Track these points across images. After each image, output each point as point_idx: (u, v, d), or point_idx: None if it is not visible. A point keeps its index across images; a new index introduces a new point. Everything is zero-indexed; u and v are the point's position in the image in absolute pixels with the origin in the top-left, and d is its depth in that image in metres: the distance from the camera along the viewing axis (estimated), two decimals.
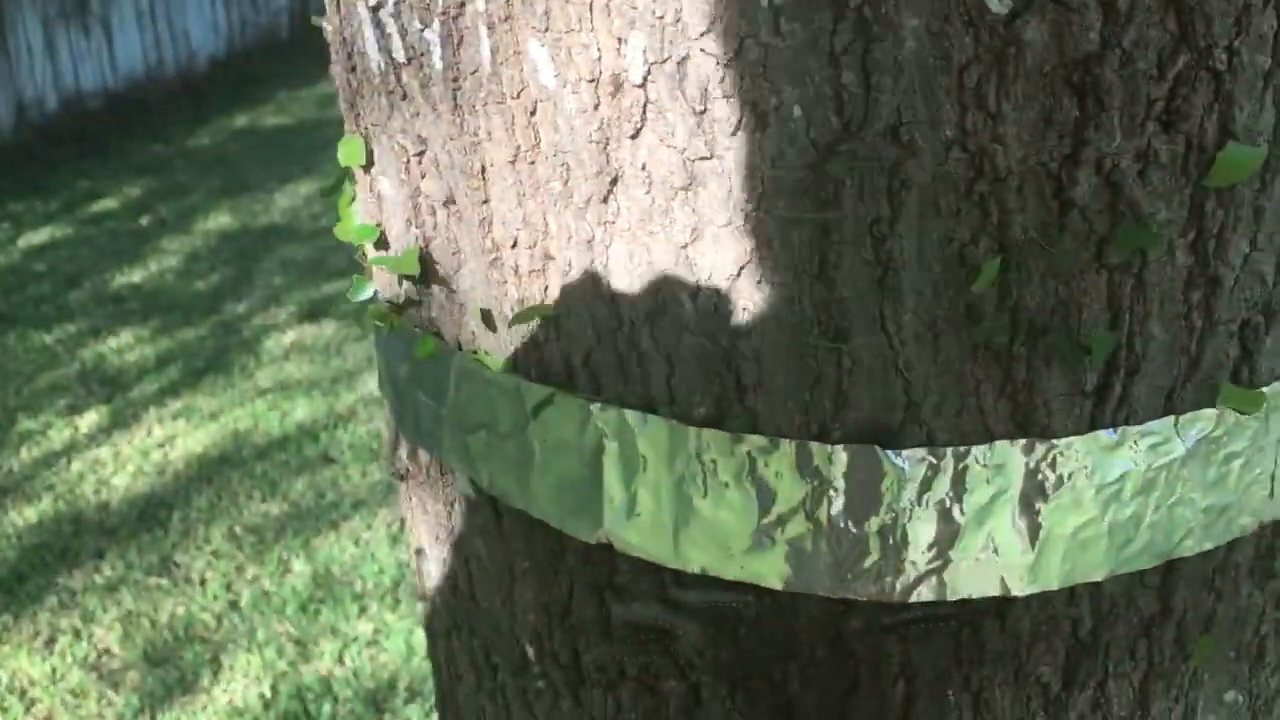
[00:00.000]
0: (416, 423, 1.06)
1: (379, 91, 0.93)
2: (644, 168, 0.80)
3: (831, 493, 0.85)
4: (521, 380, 0.93)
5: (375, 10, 0.89)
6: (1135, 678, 0.94)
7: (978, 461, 0.83)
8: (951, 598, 0.87)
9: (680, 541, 0.91)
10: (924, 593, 0.87)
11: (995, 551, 0.85)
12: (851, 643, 0.91)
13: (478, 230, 0.91)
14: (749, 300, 0.81)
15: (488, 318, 0.95)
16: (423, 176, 0.93)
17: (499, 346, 0.95)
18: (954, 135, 0.74)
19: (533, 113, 0.83)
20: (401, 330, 1.05)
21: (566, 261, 0.87)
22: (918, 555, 0.86)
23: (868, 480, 0.84)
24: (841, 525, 0.86)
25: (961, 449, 0.83)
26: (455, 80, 0.86)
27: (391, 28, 0.88)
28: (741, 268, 0.80)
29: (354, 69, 0.96)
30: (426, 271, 0.97)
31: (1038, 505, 0.84)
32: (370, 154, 0.99)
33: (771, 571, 0.89)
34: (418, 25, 0.86)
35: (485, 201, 0.89)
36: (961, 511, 0.84)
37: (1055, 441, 0.83)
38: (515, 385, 0.94)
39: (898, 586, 0.87)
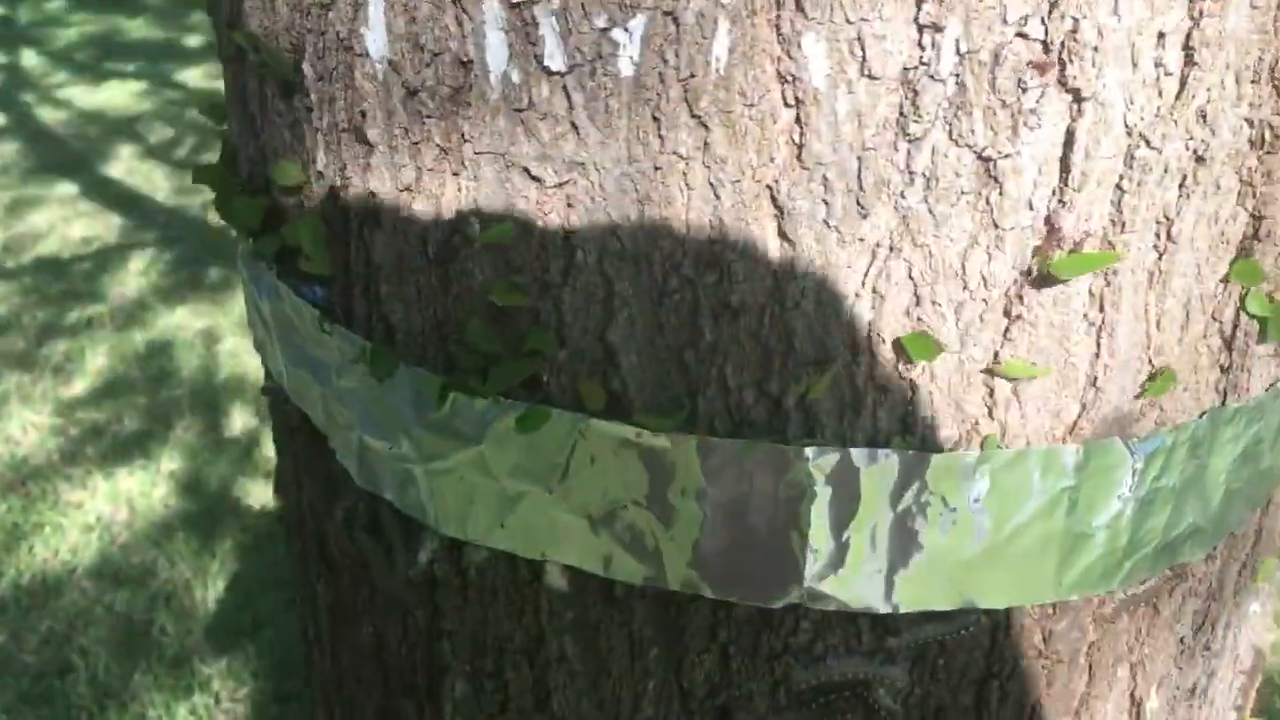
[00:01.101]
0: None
1: (491, 112, 0.73)
2: (925, 172, 0.70)
3: (1071, 492, 0.81)
4: (701, 437, 0.79)
5: (519, 8, 0.69)
6: (1213, 602, 0.99)
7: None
8: (1153, 579, 0.87)
9: (896, 583, 0.82)
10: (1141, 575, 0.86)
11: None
12: (1057, 643, 0.88)
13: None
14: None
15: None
16: (569, 207, 0.74)
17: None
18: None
19: (791, 118, 0.69)
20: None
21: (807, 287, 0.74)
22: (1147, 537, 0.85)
23: (1103, 477, 0.81)
24: (1082, 526, 0.82)
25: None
26: (653, 87, 0.69)
27: (549, 29, 0.69)
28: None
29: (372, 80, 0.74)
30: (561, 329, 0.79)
31: None
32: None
33: (1000, 589, 0.83)
34: (602, 23, 0.68)
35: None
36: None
37: None
38: (693, 444, 0.79)
39: (1123, 577, 0.85)
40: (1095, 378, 0.78)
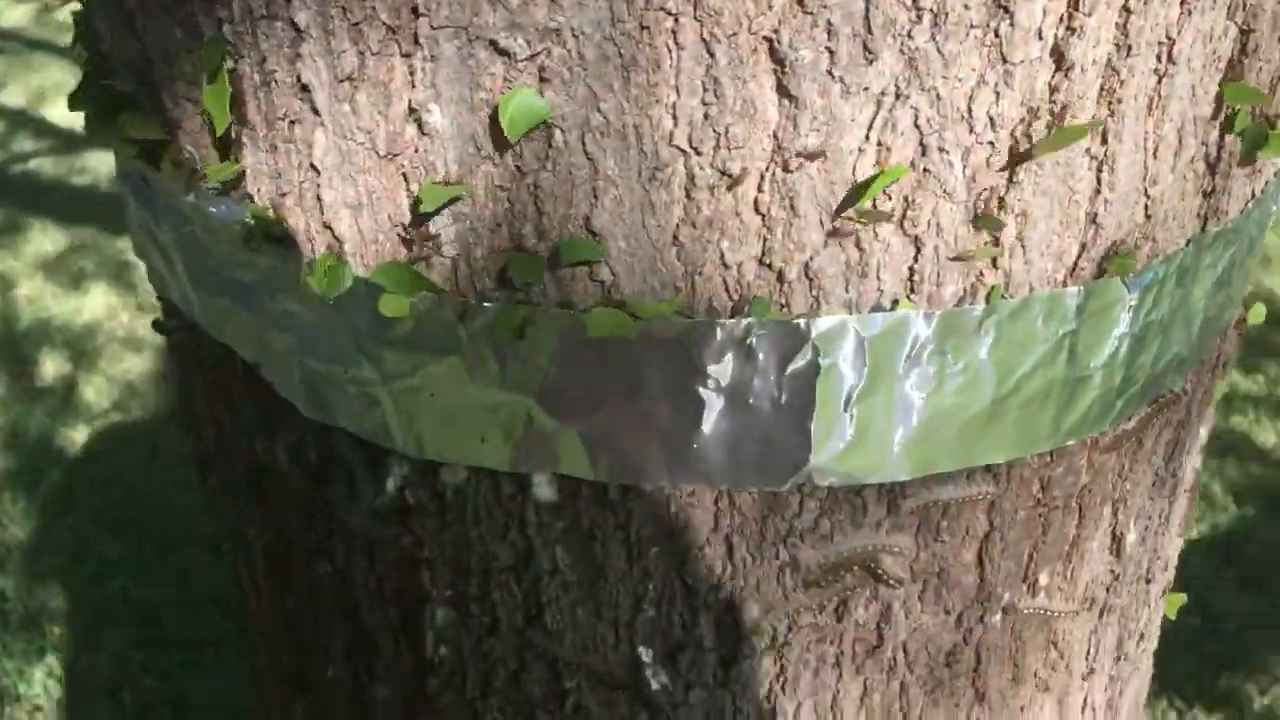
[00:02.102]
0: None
1: None
2: (934, 7, 0.65)
3: (1072, 337, 0.79)
4: (701, 319, 0.73)
5: None
6: (1182, 430, 1.00)
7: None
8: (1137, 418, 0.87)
9: (905, 449, 0.79)
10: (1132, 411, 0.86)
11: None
12: (1054, 489, 0.87)
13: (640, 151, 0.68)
14: None
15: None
16: (543, 82, 0.67)
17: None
18: None
19: None
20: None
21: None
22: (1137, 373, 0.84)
23: (1102, 317, 0.79)
24: (1081, 370, 0.81)
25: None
26: None
27: None
28: None
29: None
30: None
31: None
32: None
33: (1003, 444, 0.81)
34: None
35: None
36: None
37: None
38: (695, 325, 0.74)
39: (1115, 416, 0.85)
40: (1095, 214, 0.76)
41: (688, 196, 0.70)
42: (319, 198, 0.75)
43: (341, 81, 0.70)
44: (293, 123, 0.74)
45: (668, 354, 0.74)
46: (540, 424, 0.78)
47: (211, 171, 0.79)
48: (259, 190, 0.78)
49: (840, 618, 0.86)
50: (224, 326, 0.89)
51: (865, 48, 0.65)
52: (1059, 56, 0.68)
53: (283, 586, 1.01)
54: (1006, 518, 0.86)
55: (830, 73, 0.66)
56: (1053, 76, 0.69)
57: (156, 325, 1.03)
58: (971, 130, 0.69)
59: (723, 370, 0.74)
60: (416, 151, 0.71)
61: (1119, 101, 0.71)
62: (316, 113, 0.72)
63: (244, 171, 0.78)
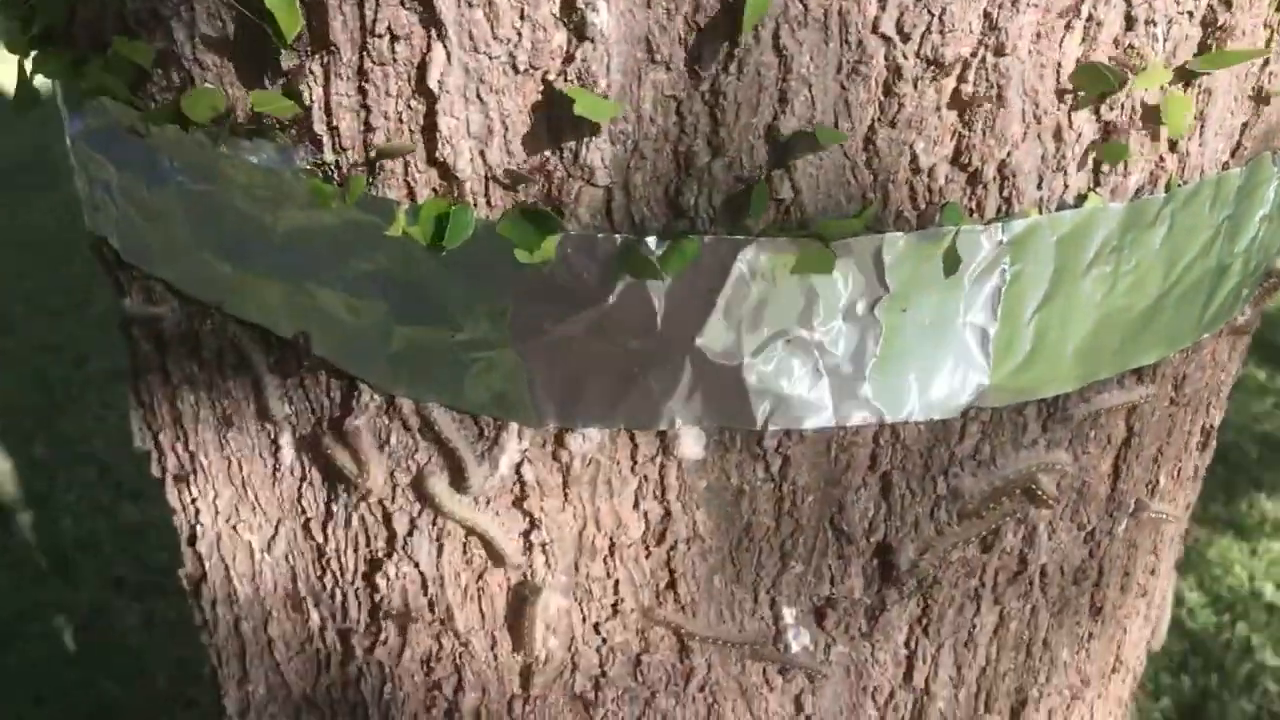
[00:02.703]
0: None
1: None
2: None
3: (1229, 222, 0.75)
4: (888, 235, 0.65)
5: None
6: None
7: None
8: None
9: (1074, 358, 0.73)
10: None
11: None
12: (1186, 387, 0.83)
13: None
14: None
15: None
16: None
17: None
18: None
19: None
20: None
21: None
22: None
23: (1251, 199, 0.76)
24: (1226, 257, 0.77)
25: None
26: None
27: None
28: None
29: None
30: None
31: None
32: None
33: (1157, 343, 0.77)
34: None
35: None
36: None
37: None
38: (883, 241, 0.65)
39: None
40: (1261, 89, 0.71)
41: (886, 93, 0.62)
42: (431, 128, 0.63)
43: None
44: (395, 39, 0.61)
45: (852, 277, 0.66)
46: (698, 373, 0.68)
47: (260, 102, 0.65)
48: (336, 126, 0.65)
49: (988, 548, 0.81)
50: (248, 300, 0.75)
51: None
52: None
53: (330, 593, 0.88)
54: (1145, 421, 0.82)
55: None
56: None
57: (136, 319, 0.87)
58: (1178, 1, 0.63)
59: (905, 288, 0.67)
60: (570, 61, 0.60)
61: None
62: (437, 24, 0.60)
63: (310, 106, 0.65)
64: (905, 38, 0.60)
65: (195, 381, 0.85)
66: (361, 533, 0.82)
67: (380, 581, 0.82)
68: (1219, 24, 0.65)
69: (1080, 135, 0.66)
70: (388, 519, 0.79)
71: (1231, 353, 0.89)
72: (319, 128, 0.66)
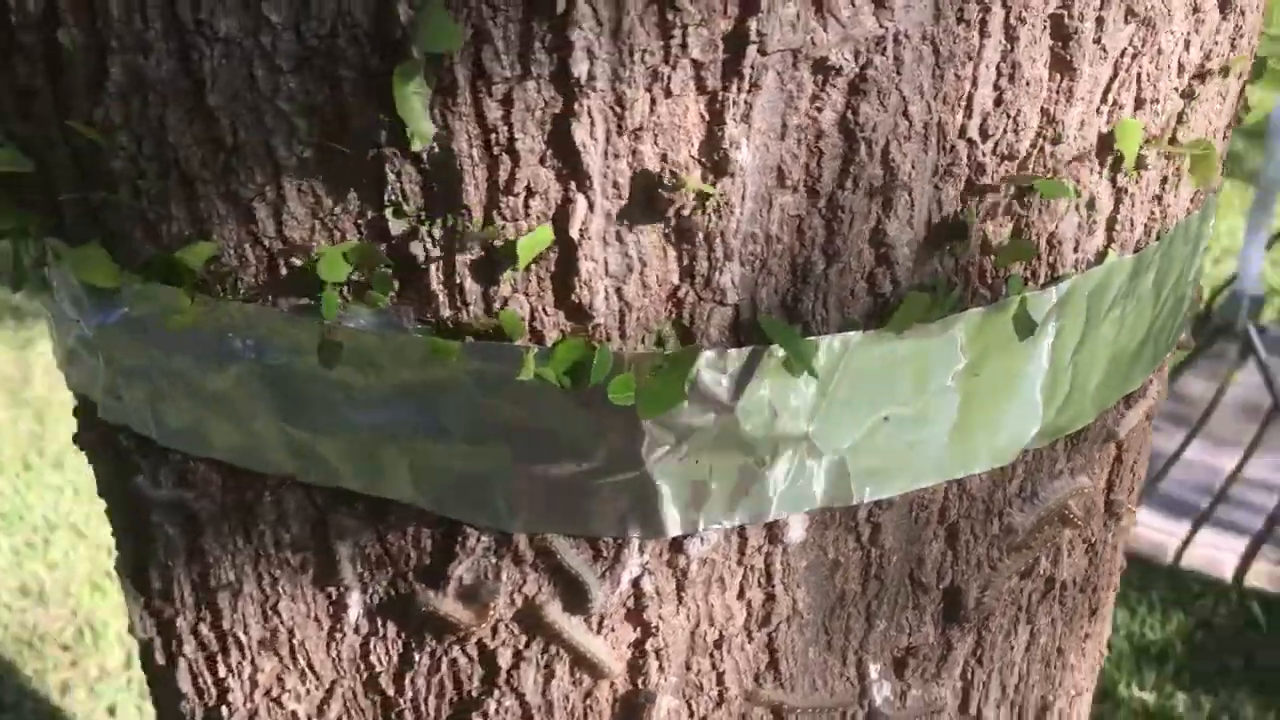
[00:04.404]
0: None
1: None
2: None
3: (1193, 255, 0.87)
4: (969, 312, 0.72)
5: None
6: None
7: None
8: None
9: (1095, 392, 0.83)
10: None
11: None
12: (1156, 399, 0.95)
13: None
14: None
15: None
16: (855, 93, 0.62)
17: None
18: None
19: None
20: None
21: None
22: None
23: (1203, 232, 0.88)
24: (1185, 284, 0.89)
25: None
26: None
27: None
28: None
29: None
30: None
31: None
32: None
33: (1146, 366, 0.88)
34: None
35: None
36: None
37: None
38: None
39: None
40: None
41: (968, 188, 0.69)
42: (566, 273, 0.66)
43: (622, 135, 0.62)
44: (531, 194, 0.64)
45: (940, 355, 0.73)
46: (809, 460, 0.73)
47: (364, 259, 0.66)
48: (460, 284, 0.67)
49: (1027, 574, 0.89)
50: (330, 465, 0.75)
51: (1129, 10, 0.68)
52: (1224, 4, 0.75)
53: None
54: (1133, 437, 0.93)
55: (1097, 40, 0.68)
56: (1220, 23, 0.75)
57: (164, 505, 0.84)
58: (1179, 74, 0.74)
59: (979, 356, 0.74)
60: (709, 196, 0.64)
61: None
62: (581, 177, 0.63)
63: (425, 268, 0.67)
64: (986, 138, 0.68)
65: (238, 557, 0.83)
66: (449, 677, 0.82)
67: None
68: (1195, 96, 0.77)
69: (1100, 198, 0.76)
70: (488, 657, 0.80)
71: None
72: (435, 286, 0.67)
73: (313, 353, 0.71)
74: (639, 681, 0.80)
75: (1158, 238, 0.81)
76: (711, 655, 0.80)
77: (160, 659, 0.93)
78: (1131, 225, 0.79)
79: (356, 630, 0.83)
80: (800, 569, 0.79)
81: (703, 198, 0.64)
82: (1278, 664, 2.39)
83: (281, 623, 0.84)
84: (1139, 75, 0.72)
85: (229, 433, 0.77)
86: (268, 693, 0.88)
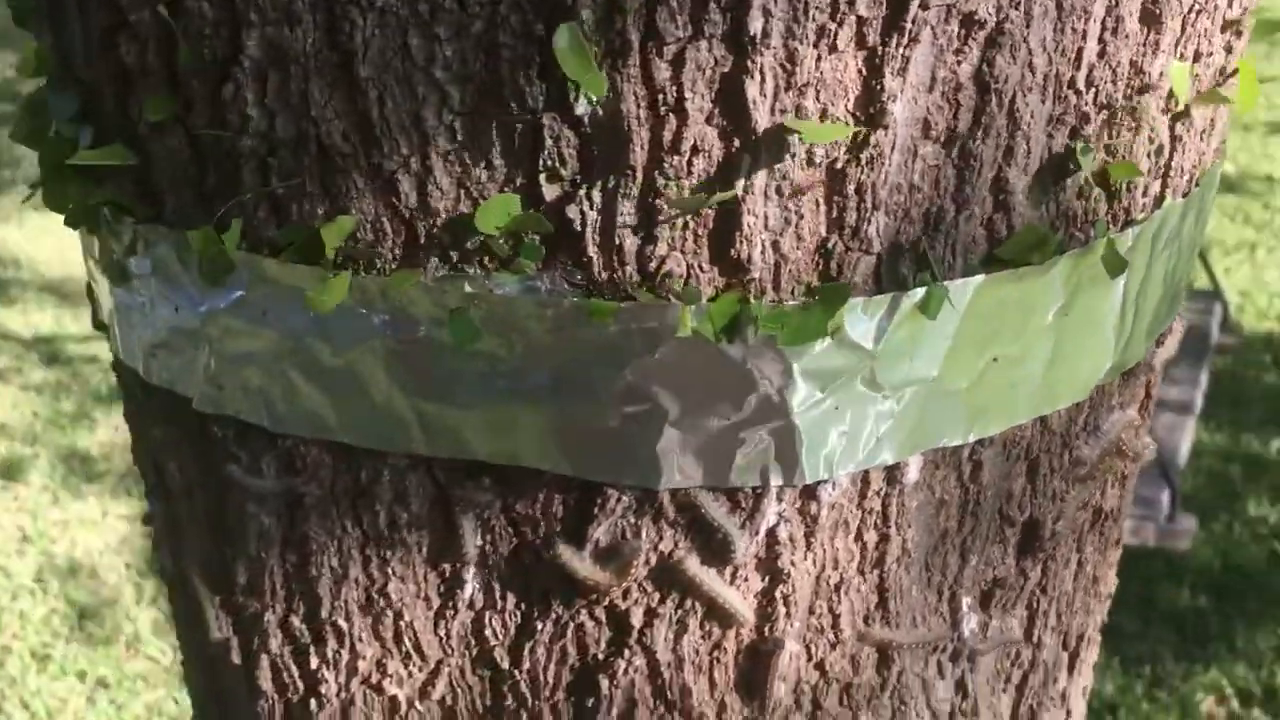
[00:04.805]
0: None
1: None
2: None
3: (1202, 204, 0.95)
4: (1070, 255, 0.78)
5: None
6: None
7: None
8: None
9: (1148, 328, 0.90)
10: None
11: None
12: None
13: None
14: None
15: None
16: (991, 45, 0.67)
17: None
18: None
19: None
20: None
21: None
22: None
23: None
24: (1204, 226, 0.96)
25: None
26: None
27: None
28: None
29: None
30: None
31: None
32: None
33: (1177, 305, 0.95)
34: None
35: None
36: None
37: None
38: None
39: None
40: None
41: (1072, 136, 0.75)
42: (726, 228, 0.69)
43: (789, 91, 0.66)
44: (696, 152, 0.67)
45: (1039, 294, 0.78)
46: (931, 403, 0.78)
47: (521, 224, 0.68)
48: (619, 245, 0.69)
49: (1084, 504, 0.95)
50: (463, 438, 0.76)
51: None
52: None
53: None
54: (1157, 372, 1.00)
55: None
56: None
57: (265, 495, 0.83)
58: (1224, 30, 0.81)
59: (1071, 296, 0.80)
60: (863, 148, 0.68)
61: None
62: (749, 133, 0.66)
63: (582, 230, 0.69)
64: (1090, 87, 0.73)
65: (345, 541, 0.83)
66: (574, 642, 0.84)
67: (603, 682, 0.84)
68: (1232, 51, 0.84)
69: (1165, 148, 0.83)
70: (618, 617, 0.82)
71: None
72: (591, 250, 0.70)
73: (433, 322, 0.73)
74: (765, 629, 0.83)
75: (1197, 183, 0.89)
76: (830, 599, 0.84)
77: (236, 658, 0.92)
78: (1182, 171, 0.86)
79: (471, 605, 0.84)
80: (911, 509, 0.83)
81: (857, 150, 0.68)
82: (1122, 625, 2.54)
83: (389, 605, 0.84)
84: (1203, 30, 0.79)
85: (353, 412, 0.78)
86: (366, 679, 0.88)
